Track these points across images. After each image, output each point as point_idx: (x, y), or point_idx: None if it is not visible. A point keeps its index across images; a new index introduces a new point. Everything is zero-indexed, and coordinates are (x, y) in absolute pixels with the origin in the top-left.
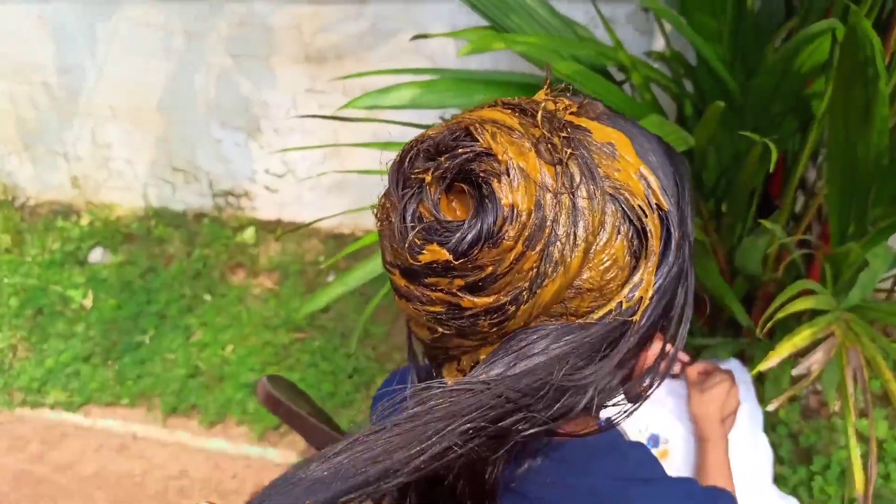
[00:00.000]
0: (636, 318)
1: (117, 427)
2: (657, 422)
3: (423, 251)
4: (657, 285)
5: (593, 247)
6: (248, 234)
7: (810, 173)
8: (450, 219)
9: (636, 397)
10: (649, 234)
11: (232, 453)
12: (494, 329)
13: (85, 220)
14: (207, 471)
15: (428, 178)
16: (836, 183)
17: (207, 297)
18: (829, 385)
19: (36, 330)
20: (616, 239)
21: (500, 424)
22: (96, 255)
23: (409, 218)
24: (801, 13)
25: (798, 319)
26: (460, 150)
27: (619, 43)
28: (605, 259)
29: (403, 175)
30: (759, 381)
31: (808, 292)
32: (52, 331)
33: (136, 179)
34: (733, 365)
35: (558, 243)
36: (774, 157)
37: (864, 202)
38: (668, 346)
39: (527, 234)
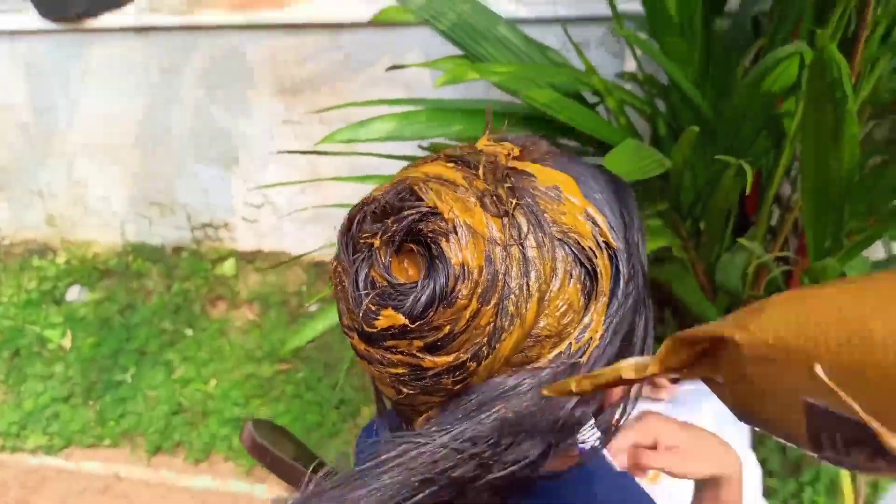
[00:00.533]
0: (584, 359)
1: (100, 469)
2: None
3: (379, 317)
4: (607, 323)
5: (547, 294)
6: (228, 265)
7: (785, 188)
8: (402, 281)
9: (609, 429)
10: (600, 275)
11: (219, 490)
12: (458, 386)
13: (61, 259)
14: None
15: (377, 243)
16: (811, 199)
17: (188, 332)
18: None
19: (13, 372)
20: (569, 283)
21: (452, 475)
22: (73, 294)
23: (361, 284)
24: (768, 34)
25: None
26: (406, 212)
27: (592, 68)
28: (560, 305)
29: (353, 239)
30: None
31: None
32: (29, 372)
33: (112, 215)
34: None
35: (512, 296)
36: (750, 178)
37: (838, 217)
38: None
39: (480, 290)
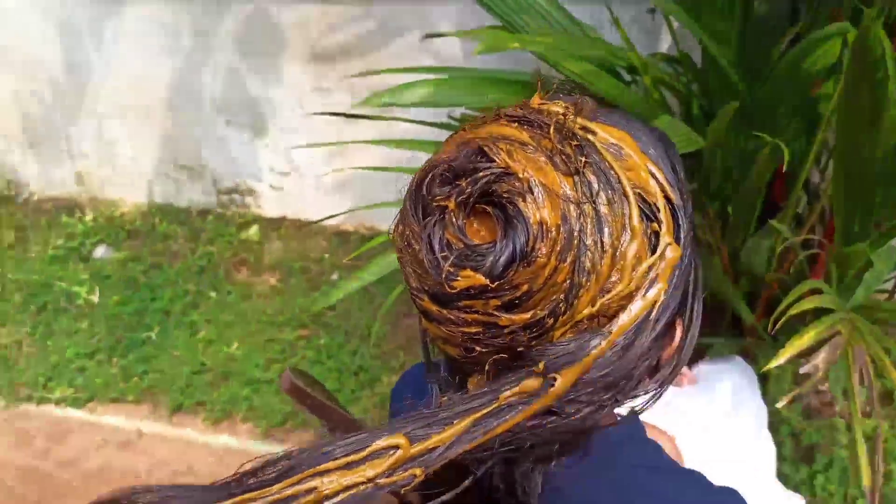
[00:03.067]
0: (653, 314)
1: (122, 423)
2: (666, 420)
3: (458, 278)
4: (671, 278)
5: (618, 250)
6: (253, 231)
7: (814, 175)
8: (478, 242)
9: (663, 383)
10: (664, 230)
11: (237, 449)
12: (534, 342)
13: (89, 217)
14: (213, 467)
15: (451, 205)
16: (843, 184)
17: (212, 294)
18: (834, 383)
19: (40, 326)
20: (638, 239)
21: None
22: (100, 252)
23: (437, 246)
24: (807, 17)
25: (800, 319)
26: (480, 173)
27: (630, 43)
28: (630, 259)
29: (423, 202)
30: (762, 379)
31: (814, 292)
32: (56, 327)
33: (140, 176)
34: (738, 362)
35: (588, 252)
36: (787, 156)
37: (869, 203)
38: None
39: (558, 248)
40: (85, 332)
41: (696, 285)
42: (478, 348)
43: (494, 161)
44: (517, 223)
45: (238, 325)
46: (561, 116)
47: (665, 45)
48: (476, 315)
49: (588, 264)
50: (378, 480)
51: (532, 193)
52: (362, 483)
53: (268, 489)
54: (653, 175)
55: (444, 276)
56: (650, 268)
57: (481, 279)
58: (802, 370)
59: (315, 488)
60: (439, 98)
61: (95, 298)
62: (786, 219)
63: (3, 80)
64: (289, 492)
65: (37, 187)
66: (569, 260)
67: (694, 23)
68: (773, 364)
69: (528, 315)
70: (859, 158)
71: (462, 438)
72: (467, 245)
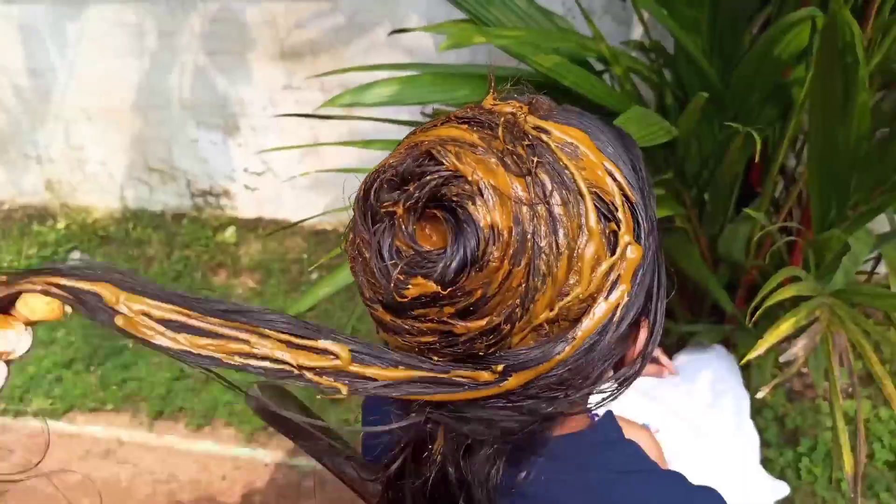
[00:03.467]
0: (616, 317)
1: (102, 433)
2: (648, 412)
3: (409, 286)
4: (633, 279)
5: (575, 251)
6: (229, 233)
7: (790, 160)
8: (429, 248)
9: (624, 382)
10: (623, 230)
11: (220, 455)
12: (492, 349)
13: (61, 224)
14: (196, 473)
15: (399, 211)
16: (817, 169)
17: None
18: (815, 369)
19: None
20: (595, 239)
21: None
22: (74, 259)
23: (386, 254)
24: (777, 2)
25: (780, 305)
26: (428, 177)
27: (600, 34)
28: (588, 261)
29: (371, 209)
30: (744, 367)
31: (793, 279)
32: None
33: (111, 181)
34: (719, 351)
35: (542, 255)
36: (759, 145)
37: (845, 187)
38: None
39: (511, 251)
40: (61, 341)
41: (661, 284)
42: (436, 357)
43: (443, 164)
44: (467, 227)
45: None
46: (511, 116)
47: (638, 33)
48: (431, 324)
49: (543, 267)
50: (305, 372)
51: (482, 196)
52: (289, 366)
53: (209, 318)
54: (610, 174)
55: (393, 284)
56: (611, 269)
57: (432, 286)
58: (782, 358)
59: (248, 342)
60: (407, 96)
61: (69, 308)
62: (763, 204)
63: None
64: (224, 331)
65: (6, 196)
66: (523, 263)
67: (662, 11)
68: (753, 355)
69: (483, 322)
70: (833, 143)
71: (401, 385)
72: (417, 252)
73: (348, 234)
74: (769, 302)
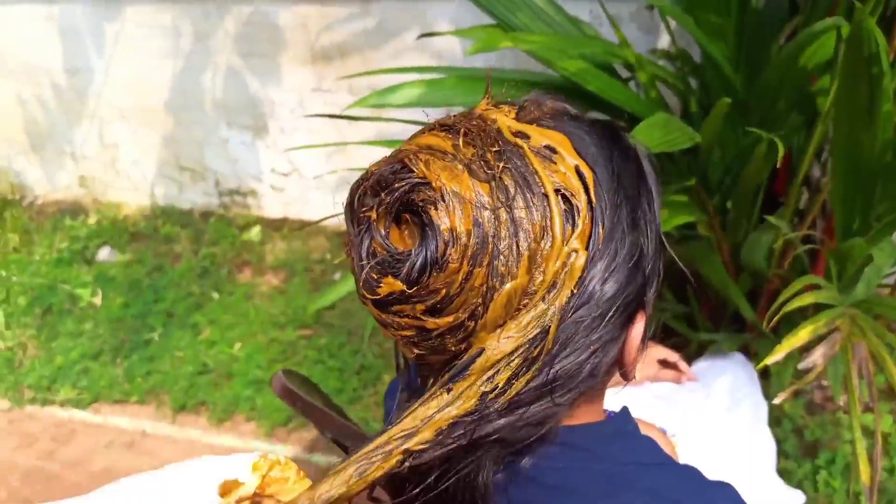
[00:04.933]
0: (581, 313)
1: (127, 424)
2: (665, 416)
3: (381, 284)
4: (581, 282)
5: (538, 253)
6: (255, 232)
7: (814, 170)
8: (401, 249)
9: (626, 374)
10: (574, 233)
11: (241, 449)
12: (462, 345)
13: (92, 219)
14: None
15: (373, 216)
16: (841, 179)
17: (215, 295)
18: (834, 379)
19: (45, 328)
20: (561, 239)
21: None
22: (104, 254)
23: (364, 255)
24: (804, 11)
25: (802, 314)
26: (397, 184)
27: (626, 41)
28: (554, 261)
29: (355, 214)
30: (763, 375)
31: (814, 287)
32: (61, 329)
33: (143, 179)
34: (738, 358)
35: (501, 257)
36: (781, 152)
37: (868, 198)
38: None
39: (470, 253)
40: (89, 333)
41: (648, 282)
42: (416, 350)
43: (413, 172)
44: (429, 231)
45: (240, 326)
46: (481, 122)
47: (664, 41)
48: (407, 319)
49: (502, 268)
50: None
51: (443, 201)
52: None
53: None
54: (582, 176)
55: (365, 282)
56: (584, 268)
57: (399, 285)
58: (801, 366)
59: None
60: (432, 98)
61: (99, 301)
62: (787, 213)
63: (6, 86)
64: None
65: (41, 191)
66: (484, 264)
67: (689, 20)
68: (770, 360)
69: (450, 318)
70: (857, 153)
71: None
72: (389, 253)
73: (345, 235)
74: (788, 308)
